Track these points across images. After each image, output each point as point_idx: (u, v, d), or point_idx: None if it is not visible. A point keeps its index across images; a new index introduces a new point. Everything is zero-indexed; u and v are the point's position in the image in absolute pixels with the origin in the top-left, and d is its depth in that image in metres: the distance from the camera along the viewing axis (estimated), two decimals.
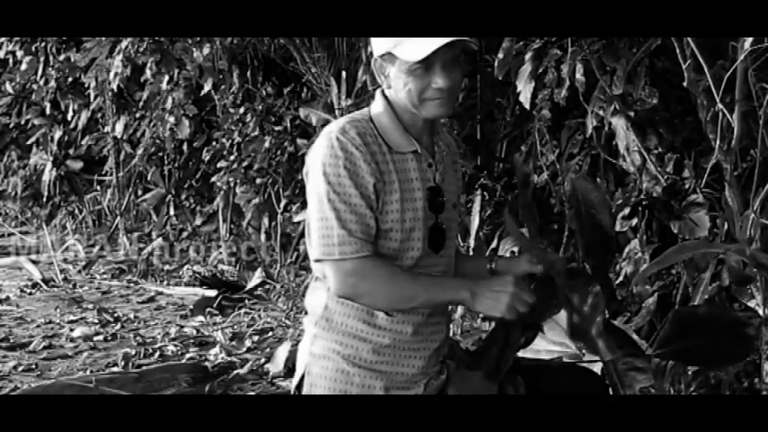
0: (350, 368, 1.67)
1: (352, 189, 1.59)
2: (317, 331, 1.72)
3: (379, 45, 1.65)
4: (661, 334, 1.68)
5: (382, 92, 1.72)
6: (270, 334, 4.28)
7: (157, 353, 3.96)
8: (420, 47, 1.57)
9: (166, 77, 5.47)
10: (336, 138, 1.61)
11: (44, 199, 7.78)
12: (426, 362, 1.71)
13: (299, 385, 1.74)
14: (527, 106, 2.89)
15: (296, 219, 4.83)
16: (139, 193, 6.97)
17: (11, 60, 7.34)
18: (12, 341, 4.21)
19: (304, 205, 4.27)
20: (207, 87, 5.18)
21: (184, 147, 6.13)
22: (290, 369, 3.46)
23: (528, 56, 2.86)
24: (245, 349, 4.00)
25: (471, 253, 3.42)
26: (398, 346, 1.69)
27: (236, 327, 4.43)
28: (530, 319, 1.65)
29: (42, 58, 6.82)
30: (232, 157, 5.11)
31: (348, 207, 1.59)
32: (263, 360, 3.75)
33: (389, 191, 1.64)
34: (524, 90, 2.87)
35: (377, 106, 1.71)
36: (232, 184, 5.34)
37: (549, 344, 2.41)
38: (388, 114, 1.69)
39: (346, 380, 1.67)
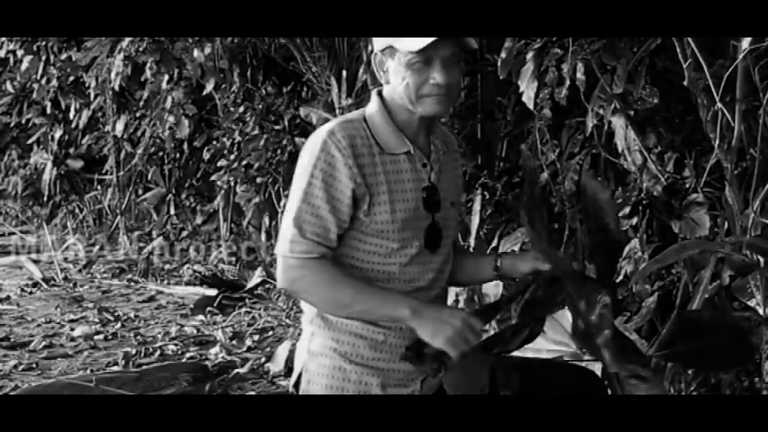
0: (347, 365, 1.68)
1: (321, 192, 1.61)
2: (314, 329, 1.73)
3: (379, 39, 1.66)
4: (663, 336, 1.68)
5: (378, 92, 1.73)
6: (270, 333, 4.28)
7: (158, 352, 3.96)
8: (421, 39, 1.58)
9: (166, 77, 5.47)
10: (323, 139, 1.63)
11: (44, 198, 7.79)
12: None
13: (297, 383, 1.75)
14: (530, 106, 2.89)
15: None
16: (140, 192, 6.98)
17: (11, 59, 7.34)
18: (12, 340, 4.22)
19: None
20: (209, 87, 5.18)
21: (185, 146, 6.13)
22: (290, 368, 3.46)
23: (530, 55, 2.86)
24: (245, 348, 4.00)
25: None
26: (395, 344, 1.69)
27: (236, 326, 4.43)
28: (534, 315, 1.64)
29: (44, 57, 6.82)
30: (232, 157, 5.11)
31: (310, 208, 1.62)
32: (263, 359, 3.75)
33: (376, 192, 1.64)
34: (527, 89, 2.87)
35: (371, 106, 1.72)
36: (232, 184, 5.35)
37: (550, 343, 2.41)
38: (381, 115, 1.70)
39: (343, 377, 1.68)
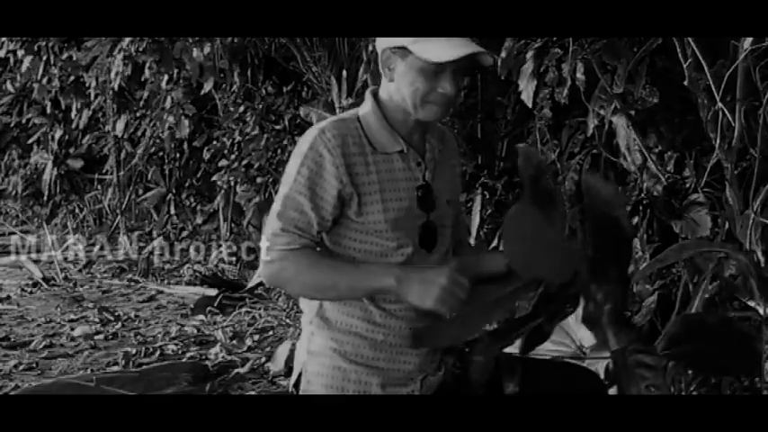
0: (346, 365, 1.68)
1: (305, 189, 1.62)
2: (314, 329, 1.73)
3: (395, 38, 1.64)
4: (665, 335, 1.67)
5: (372, 92, 1.73)
6: (270, 333, 4.28)
7: (158, 352, 3.97)
8: (442, 50, 1.57)
9: (166, 77, 5.47)
10: (313, 137, 1.64)
11: (45, 198, 7.78)
12: (423, 359, 1.72)
13: (297, 383, 1.75)
14: (529, 105, 2.89)
15: None
16: (140, 192, 6.97)
17: (11, 59, 7.33)
18: (12, 340, 4.22)
19: None
20: (208, 87, 5.18)
21: (185, 146, 6.13)
22: (290, 368, 3.45)
23: (530, 55, 2.86)
24: (245, 348, 4.00)
25: None
26: (395, 344, 1.69)
27: (236, 326, 4.43)
28: (547, 309, 1.64)
29: (44, 57, 6.81)
30: (232, 156, 5.11)
31: (294, 204, 1.63)
32: (263, 359, 3.75)
33: (367, 192, 1.64)
34: (526, 89, 2.87)
35: (365, 106, 1.72)
36: (232, 183, 5.34)
37: (550, 343, 2.41)
38: (375, 114, 1.69)
39: (343, 377, 1.68)
